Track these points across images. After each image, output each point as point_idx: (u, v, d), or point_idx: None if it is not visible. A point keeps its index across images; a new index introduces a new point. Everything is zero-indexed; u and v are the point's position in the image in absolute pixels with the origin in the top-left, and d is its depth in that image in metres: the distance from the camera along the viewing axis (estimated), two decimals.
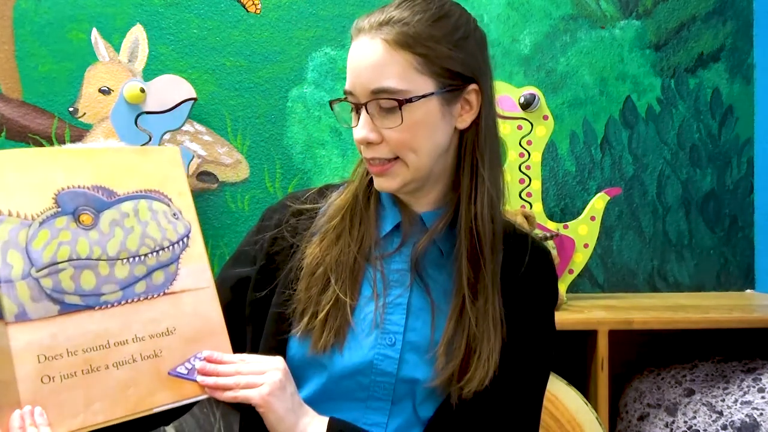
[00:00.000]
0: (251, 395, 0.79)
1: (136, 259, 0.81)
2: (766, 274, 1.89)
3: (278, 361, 0.83)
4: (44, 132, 1.78)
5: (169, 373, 0.80)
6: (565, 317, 1.49)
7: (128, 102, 1.67)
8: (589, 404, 1.45)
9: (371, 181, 0.92)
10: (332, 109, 0.91)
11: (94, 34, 1.76)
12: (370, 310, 0.89)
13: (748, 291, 1.91)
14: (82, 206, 0.79)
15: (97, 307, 0.78)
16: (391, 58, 0.83)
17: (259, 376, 0.80)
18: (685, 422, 1.49)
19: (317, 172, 1.84)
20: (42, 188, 0.78)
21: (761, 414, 1.41)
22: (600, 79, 1.90)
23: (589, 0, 1.90)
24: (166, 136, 1.72)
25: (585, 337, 1.52)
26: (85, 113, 1.77)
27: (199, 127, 1.80)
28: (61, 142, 1.77)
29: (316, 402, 0.87)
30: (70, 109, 1.77)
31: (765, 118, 1.90)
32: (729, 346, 1.68)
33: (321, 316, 0.87)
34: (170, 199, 0.86)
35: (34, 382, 0.73)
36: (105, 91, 1.76)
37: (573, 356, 1.57)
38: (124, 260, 0.81)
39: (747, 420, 1.42)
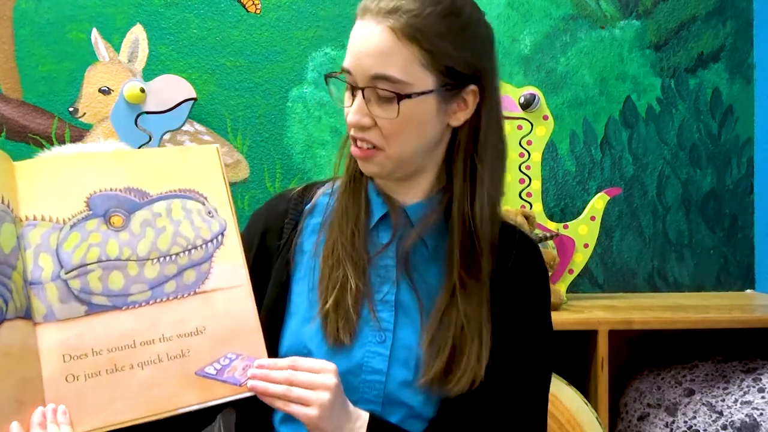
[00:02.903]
0: (300, 416, 0.77)
1: (167, 258, 0.81)
2: (766, 274, 1.89)
3: (330, 374, 0.79)
4: (44, 132, 1.78)
5: (196, 374, 0.79)
6: (565, 317, 1.49)
7: (128, 102, 1.67)
8: (589, 404, 1.45)
9: (361, 173, 0.91)
10: (326, 83, 0.89)
11: (94, 34, 1.76)
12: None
13: (748, 291, 1.91)
14: (113, 208, 0.80)
15: (124, 307, 0.78)
16: (396, 49, 0.81)
17: (311, 393, 0.77)
18: (685, 422, 1.49)
19: (317, 172, 1.84)
20: (74, 192, 0.79)
21: (761, 414, 1.41)
22: (600, 79, 1.90)
23: (589, 0, 1.90)
24: (166, 136, 1.72)
25: (585, 337, 1.52)
26: (85, 113, 1.77)
27: (199, 127, 1.80)
28: (61, 142, 1.77)
29: None
30: (70, 109, 1.77)
31: (765, 118, 1.90)
32: (729, 346, 1.68)
33: (331, 311, 0.86)
34: (205, 197, 0.85)
35: (59, 381, 0.74)
36: (105, 91, 1.76)
37: (573, 356, 1.57)
38: (155, 260, 0.80)
39: (747, 420, 1.42)
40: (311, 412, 0.77)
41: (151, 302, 0.79)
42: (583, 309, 1.58)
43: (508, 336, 0.88)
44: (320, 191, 0.98)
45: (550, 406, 1.42)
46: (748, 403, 1.44)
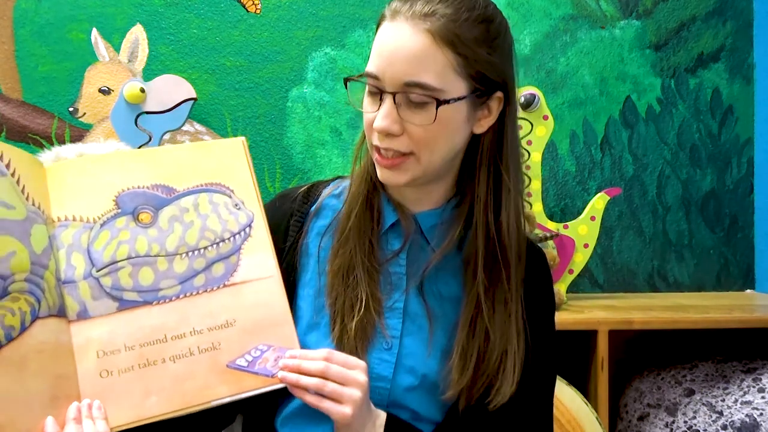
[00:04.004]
0: (333, 412, 0.77)
1: (196, 252, 0.82)
2: (766, 274, 1.89)
3: (361, 371, 0.79)
4: (44, 132, 1.78)
5: (227, 366, 0.79)
6: (565, 317, 1.49)
7: (128, 102, 1.67)
8: (589, 404, 1.45)
9: (371, 180, 0.90)
10: (346, 87, 0.86)
11: (94, 34, 1.76)
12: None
13: (748, 291, 1.91)
14: (141, 205, 0.82)
15: (154, 302, 0.80)
16: (432, 53, 0.79)
17: (344, 390, 0.77)
18: (685, 422, 1.49)
19: (317, 172, 1.84)
20: (103, 192, 0.81)
21: (761, 414, 1.41)
22: (600, 79, 1.90)
23: (589, 0, 1.90)
24: (166, 136, 1.72)
25: (585, 337, 1.52)
26: (85, 113, 1.77)
27: (199, 127, 1.80)
28: (61, 142, 1.77)
29: (313, 409, 0.84)
30: (70, 109, 1.77)
31: (765, 118, 1.90)
32: (729, 346, 1.68)
33: (352, 323, 0.84)
34: (232, 190, 0.86)
35: (93, 377, 0.76)
36: (105, 91, 1.76)
37: (573, 356, 1.57)
38: (183, 255, 0.82)
39: (747, 420, 1.42)
40: (345, 410, 0.76)
41: (180, 296, 0.80)
42: (583, 309, 1.58)
43: None
44: (326, 192, 0.96)
45: None
46: (748, 403, 1.44)
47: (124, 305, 0.79)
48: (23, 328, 0.72)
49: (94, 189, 0.81)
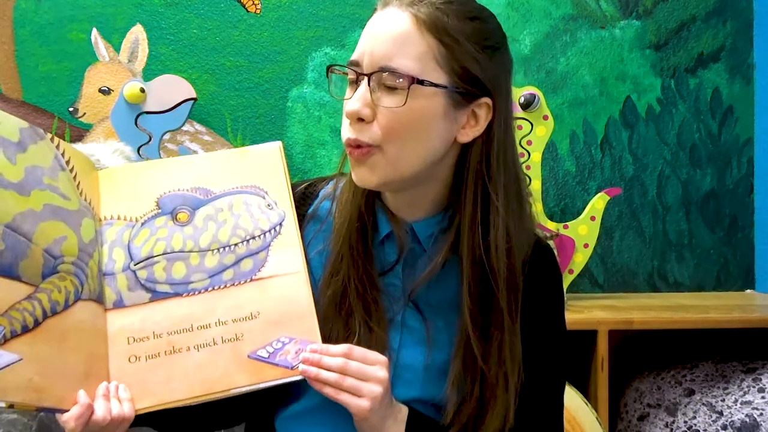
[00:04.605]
0: (351, 405, 0.77)
1: (227, 248, 0.86)
2: (766, 274, 1.89)
3: (382, 366, 0.78)
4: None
5: (248, 356, 0.82)
6: (565, 317, 1.49)
7: (128, 102, 1.67)
8: (589, 404, 1.45)
9: (368, 194, 0.87)
10: (327, 76, 0.84)
11: (94, 34, 1.76)
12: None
13: (748, 291, 1.91)
14: (180, 206, 0.87)
15: (184, 294, 0.84)
16: (414, 37, 0.76)
17: (363, 385, 0.77)
18: (685, 422, 1.49)
19: (317, 172, 1.84)
20: (147, 194, 0.88)
21: (761, 414, 1.41)
22: (600, 79, 1.90)
23: (589, 0, 1.90)
24: (166, 136, 1.72)
25: (585, 337, 1.52)
26: (85, 113, 1.77)
27: (199, 127, 1.80)
28: None
29: (312, 412, 0.85)
30: (70, 109, 1.77)
31: (765, 118, 1.90)
32: (729, 346, 1.68)
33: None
34: (266, 192, 0.90)
35: (122, 361, 0.81)
36: (105, 91, 1.76)
37: (573, 356, 1.57)
38: (215, 251, 0.86)
39: (747, 420, 1.42)
40: (363, 403, 0.76)
41: (209, 289, 0.84)
42: (583, 309, 1.58)
43: (526, 343, 0.85)
44: (323, 193, 0.95)
45: None
46: (748, 403, 1.44)
47: (157, 296, 0.84)
48: (66, 305, 0.78)
49: (139, 192, 0.88)
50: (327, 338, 0.83)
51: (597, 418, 1.45)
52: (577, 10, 1.89)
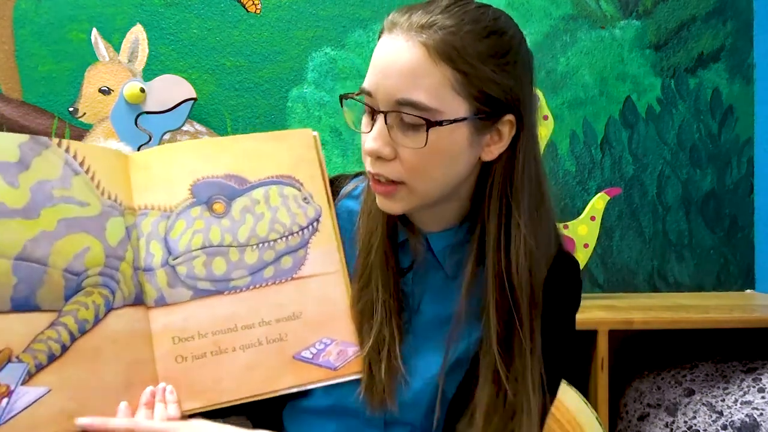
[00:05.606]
0: None
1: (266, 244, 0.84)
2: (766, 274, 1.89)
3: None
4: (44, 132, 1.78)
5: (293, 357, 0.81)
6: None
7: (128, 102, 1.67)
8: (589, 404, 1.45)
9: None
10: (341, 105, 0.80)
11: (94, 34, 1.76)
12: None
13: (748, 291, 1.91)
14: (215, 195, 0.84)
15: (226, 292, 0.82)
16: (427, 69, 0.72)
17: None
18: (685, 422, 1.49)
19: None
20: (179, 181, 0.83)
21: (761, 414, 1.41)
22: (600, 79, 1.90)
23: (589, 0, 1.90)
24: (166, 136, 1.72)
25: (585, 337, 1.52)
26: (85, 113, 1.77)
27: (199, 127, 1.79)
28: None
29: (322, 413, 0.85)
30: (70, 109, 1.77)
31: (765, 118, 1.90)
32: (729, 346, 1.68)
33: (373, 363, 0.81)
34: (302, 183, 0.87)
35: (169, 362, 0.79)
36: (105, 91, 1.76)
37: (573, 357, 1.57)
38: (254, 246, 0.83)
39: (747, 420, 1.42)
40: None
41: (251, 287, 0.83)
42: (583, 309, 1.57)
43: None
44: (345, 190, 0.93)
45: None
46: (748, 403, 1.44)
47: (198, 294, 0.81)
48: (97, 320, 0.75)
49: (172, 177, 0.83)
50: (360, 344, 0.83)
51: (597, 418, 1.45)
52: (577, 10, 1.89)
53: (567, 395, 1.45)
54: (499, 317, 0.79)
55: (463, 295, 0.81)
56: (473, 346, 0.83)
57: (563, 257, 0.88)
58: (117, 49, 1.77)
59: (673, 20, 1.91)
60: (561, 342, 0.88)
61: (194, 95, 1.71)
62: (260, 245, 0.83)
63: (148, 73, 1.76)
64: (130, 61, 1.76)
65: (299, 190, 0.87)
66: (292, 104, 1.85)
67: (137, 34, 1.76)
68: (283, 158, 0.87)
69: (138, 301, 0.79)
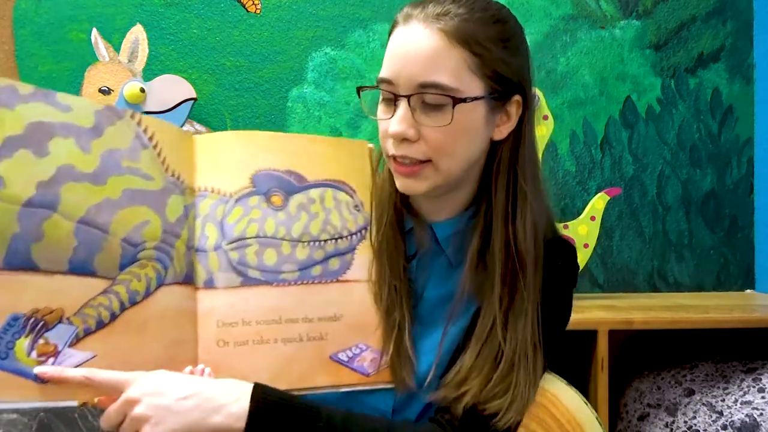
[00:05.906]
0: None
1: (317, 243, 0.85)
2: (766, 274, 1.89)
3: (131, 392, 0.71)
4: None
5: (330, 358, 0.83)
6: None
7: (128, 102, 1.67)
8: (589, 404, 1.45)
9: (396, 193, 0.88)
10: (359, 96, 0.85)
11: (94, 34, 1.76)
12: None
13: (748, 291, 1.91)
14: (274, 188, 0.85)
15: (274, 284, 0.83)
16: (447, 52, 0.78)
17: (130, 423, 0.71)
18: (685, 422, 1.49)
19: None
20: (241, 168, 0.84)
21: (761, 414, 1.41)
22: (600, 79, 1.90)
23: (589, 0, 1.90)
24: None
25: (585, 337, 1.52)
26: None
27: (199, 127, 1.80)
28: None
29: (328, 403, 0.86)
30: None
31: (765, 118, 1.90)
32: (729, 346, 1.68)
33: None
34: (354, 191, 0.89)
35: (211, 344, 0.79)
36: (105, 91, 1.76)
37: (573, 356, 1.57)
38: (306, 243, 0.85)
39: (747, 420, 1.42)
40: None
41: (298, 282, 0.84)
42: (583, 309, 1.58)
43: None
44: None
45: (550, 406, 1.42)
46: (748, 403, 1.44)
47: (247, 281, 0.82)
48: (147, 293, 0.76)
49: (234, 164, 0.84)
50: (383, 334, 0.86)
51: (597, 418, 1.45)
52: (577, 10, 1.89)
53: (567, 395, 1.45)
54: (504, 284, 0.83)
55: (465, 275, 0.85)
56: (469, 319, 0.87)
57: (560, 241, 0.92)
58: (117, 49, 1.77)
59: (673, 20, 1.91)
60: (556, 312, 0.90)
61: (194, 95, 1.71)
62: (311, 243, 0.85)
63: (148, 73, 1.76)
64: (130, 61, 1.76)
65: (351, 197, 0.89)
66: (292, 104, 1.85)
67: (137, 34, 1.76)
68: (340, 164, 0.89)
69: (188, 280, 0.80)
